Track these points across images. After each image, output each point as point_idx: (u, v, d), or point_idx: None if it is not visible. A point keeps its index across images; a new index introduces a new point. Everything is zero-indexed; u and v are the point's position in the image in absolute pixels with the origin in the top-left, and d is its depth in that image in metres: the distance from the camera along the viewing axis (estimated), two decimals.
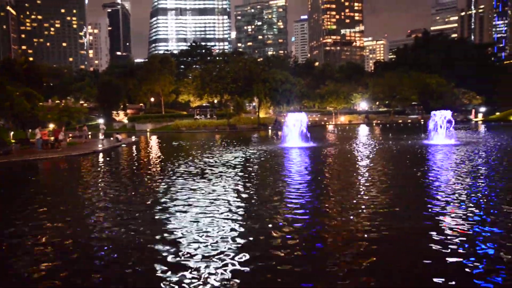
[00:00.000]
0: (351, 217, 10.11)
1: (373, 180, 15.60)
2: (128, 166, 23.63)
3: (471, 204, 11.04)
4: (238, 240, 8.44)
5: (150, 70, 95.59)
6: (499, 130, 49.19)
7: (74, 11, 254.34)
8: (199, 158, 24.57)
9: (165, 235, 8.93)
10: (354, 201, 11.96)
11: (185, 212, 10.98)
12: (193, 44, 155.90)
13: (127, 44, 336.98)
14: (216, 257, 7.47)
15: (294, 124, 32.16)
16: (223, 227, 9.43)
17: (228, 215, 10.50)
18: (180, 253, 7.70)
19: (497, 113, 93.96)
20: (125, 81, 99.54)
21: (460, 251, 7.44)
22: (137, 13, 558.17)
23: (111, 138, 44.53)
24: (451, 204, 11.21)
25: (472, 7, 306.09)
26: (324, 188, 14.61)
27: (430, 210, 10.60)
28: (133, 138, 45.75)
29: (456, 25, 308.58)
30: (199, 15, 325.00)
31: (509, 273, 6.49)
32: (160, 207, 11.70)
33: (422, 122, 75.44)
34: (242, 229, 9.26)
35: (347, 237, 8.57)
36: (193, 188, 14.42)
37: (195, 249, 7.89)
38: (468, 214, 10.00)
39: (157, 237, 8.80)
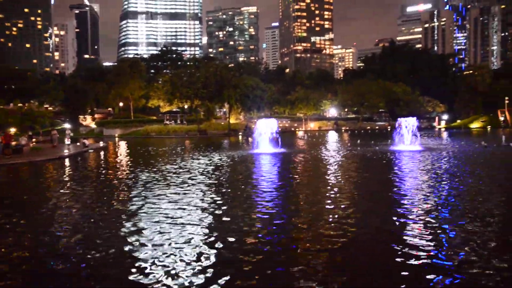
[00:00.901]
0: (323, 223, 10.27)
1: (343, 184, 15.90)
2: (94, 172, 23.03)
3: (439, 206, 11.47)
4: (205, 247, 8.40)
5: (119, 74, 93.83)
6: (460, 137, 51.46)
7: (39, 11, 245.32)
8: (168, 165, 24.29)
9: (129, 244, 8.76)
10: (325, 206, 12.14)
11: (150, 219, 10.81)
12: (164, 48, 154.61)
13: (96, 47, 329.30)
14: (182, 270, 7.39)
15: (265, 130, 32.37)
16: (190, 235, 9.35)
17: (194, 222, 10.43)
18: (143, 261, 7.58)
19: (458, 121, 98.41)
20: (93, 85, 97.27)
21: (431, 251, 7.72)
22: (106, 15, 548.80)
23: (78, 144, 43.33)
24: (421, 205, 11.59)
25: (435, 19, 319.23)
26: (294, 193, 14.77)
27: (402, 211, 10.92)
28: (101, 144, 44.65)
29: (420, 36, 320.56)
30: (170, 19, 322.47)
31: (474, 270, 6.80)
32: (125, 215, 11.43)
33: (389, 129, 77.69)
34: (207, 237, 9.22)
35: (319, 242, 8.69)
36: (160, 196, 14.13)
37: (157, 257, 7.79)
38: (435, 215, 10.38)
39: (120, 248, 8.62)
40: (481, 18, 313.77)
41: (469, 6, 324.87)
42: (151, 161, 27.48)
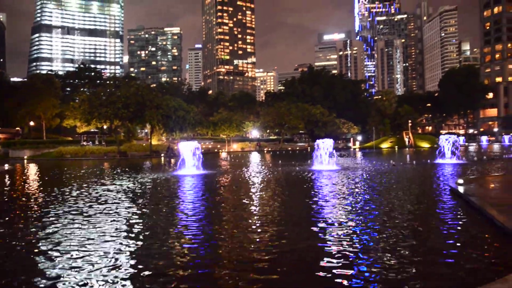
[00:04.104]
0: (247, 241, 10.44)
1: (265, 203, 16.32)
2: None
3: (355, 218, 12.27)
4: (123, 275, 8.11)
5: (30, 91, 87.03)
6: (372, 156, 55.78)
7: None
8: (82, 189, 22.89)
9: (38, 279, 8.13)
10: (247, 225, 12.35)
11: (58, 255, 10.14)
12: (81, 66, 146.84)
13: (1, 60, 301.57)
14: None
15: (187, 152, 32.09)
16: (106, 267, 8.95)
17: (110, 251, 10.01)
18: None
19: (371, 142, 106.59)
20: None
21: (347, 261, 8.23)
22: (15, 26, 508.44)
23: None
24: (339, 220, 12.30)
25: (348, 48, 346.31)
26: (216, 215, 14.81)
27: (319, 228, 11.48)
28: (6, 167, 40.70)
29: (336, 62, 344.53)
30: (89, 35, 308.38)
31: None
32: (29, 249, 10.50)
33: (309, 149, 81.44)
34: (127, 267, 8.91)
35: (243, 260, 8.82)
36: (70, 226, 13.02)
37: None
38: (354, 227, 11.10)
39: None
40: (386, 50, 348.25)
41: (376, 38, 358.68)
42: (61, 185, 25.59)
